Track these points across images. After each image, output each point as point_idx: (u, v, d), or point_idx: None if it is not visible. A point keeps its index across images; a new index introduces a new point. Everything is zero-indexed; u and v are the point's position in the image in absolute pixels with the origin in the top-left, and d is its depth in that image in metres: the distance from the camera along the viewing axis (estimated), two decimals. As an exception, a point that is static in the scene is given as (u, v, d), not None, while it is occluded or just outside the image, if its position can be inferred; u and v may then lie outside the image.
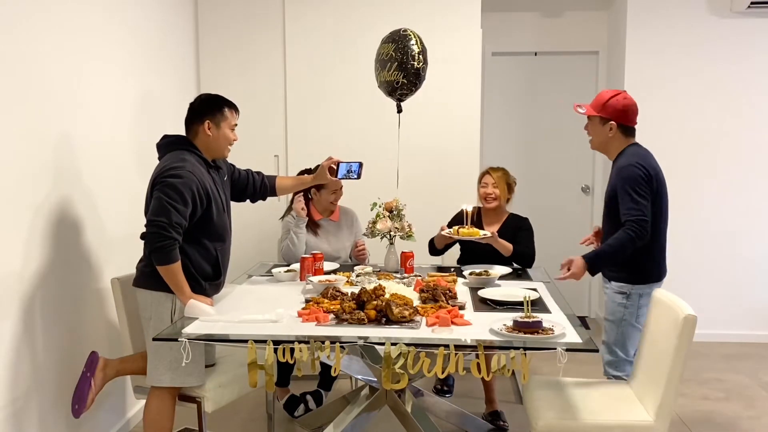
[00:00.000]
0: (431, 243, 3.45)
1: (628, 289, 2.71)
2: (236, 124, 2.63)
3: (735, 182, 4.57)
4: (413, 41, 3.06)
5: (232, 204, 2.81)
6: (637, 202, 2.60)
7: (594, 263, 2.67)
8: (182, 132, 2.61)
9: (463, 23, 4.00)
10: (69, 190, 2.70)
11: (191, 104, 2.61)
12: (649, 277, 2.72)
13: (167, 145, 2.56)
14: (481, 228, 3.38)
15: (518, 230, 3.38)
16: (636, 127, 2.78)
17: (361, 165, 2.96)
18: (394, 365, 2.03)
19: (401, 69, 3.05)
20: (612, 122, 2.71)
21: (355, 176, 2.95)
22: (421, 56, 3.07)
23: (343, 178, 2.96)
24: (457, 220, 3.45)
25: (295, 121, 4.10)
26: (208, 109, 2.56)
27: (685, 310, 2.15)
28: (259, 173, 2.97)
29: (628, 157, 2.70)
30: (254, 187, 2.93)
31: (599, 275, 2.98)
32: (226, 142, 2.60)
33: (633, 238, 2.59)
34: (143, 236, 2.39)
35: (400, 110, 3.25)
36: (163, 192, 2.38)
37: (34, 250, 2.45)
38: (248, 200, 2.97)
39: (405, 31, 3.10)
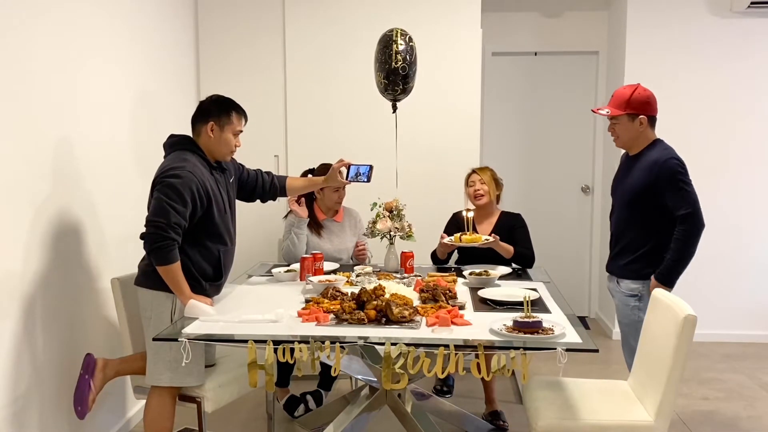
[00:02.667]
0: (434, 255, 3.44)
1: (639, 290, 2.73)
2: (241, 131, 2.63)
3: (735, 182, 4.57)
4: (396, 41, 3.07)
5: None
6: (689, 194, 2.64)
7: (666, 277, 2.67)
8: (184, 131, 2.61)
9: (463, 23, 4.01)
10: (69, 190, 2.70)
11: (201, 102, 2.62)
12: None
13: (172, 144, 2.57)
14: (474, 229, 3.37)
15: (513, 229, 3.37)
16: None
17: (371, 168, 2.95)
18: (394, 365, 2.03)
19: (382, 70, 3.08)
20: (641, 116, 2.75)
21: (365, 179, 2.95)
22: (399, 56, 3.05)
23: (352, 181, 2.95)
24: (453, 225, 3.45)
25: (295, 121, 4.10)
26: (215, 110, 2.56)
27: (685, 310, 2.15)
28: (269, 173, 2.97)
29: (660, 151, 2.73)
30: (263, 187, 2.93)
31: (605, 275, 2.98)
32: (227, 147, 2.59)
33: (695, 232, 2.64)
34: (142, 236, 2.39)
35: (394, 110, 3.24)
36: (162, 192, 2.38)
37: (34, 251, 2.45)
38: (258, 200, 2.98)
39: (390, 31, 3.11)
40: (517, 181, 5.17)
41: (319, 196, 3.48)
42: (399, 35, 3.07)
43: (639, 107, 2.74)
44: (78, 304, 2.76)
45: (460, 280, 2.97)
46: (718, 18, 4.46)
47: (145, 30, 3.43)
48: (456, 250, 3.46)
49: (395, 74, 3.06)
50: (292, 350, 2.05)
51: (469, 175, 3.47)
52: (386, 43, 3.07)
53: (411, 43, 3.10)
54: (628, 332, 2.80)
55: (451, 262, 3.53)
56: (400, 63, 3.05)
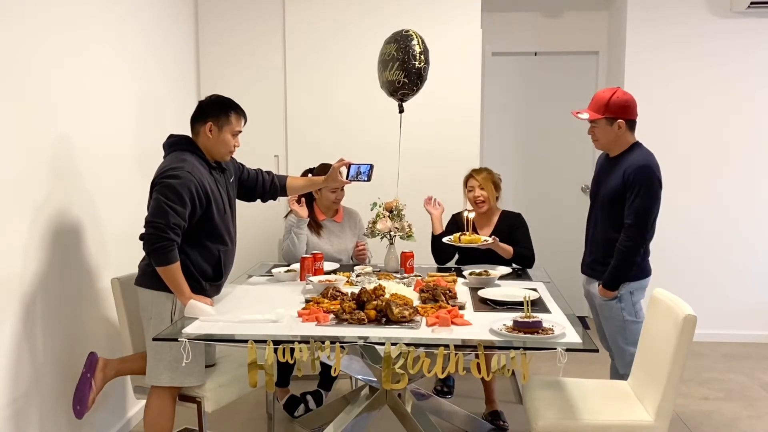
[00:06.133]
0: (434, 249, 3.42)
1: (618, 293, 2.74)
2: (240, 131, 2.62)
3: (734, 181, 4.57)
4: (415, 41, 3.07)
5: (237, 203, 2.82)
6: (644, 208, 2.64)
7: (610, 282, 2.74)
8: (184, 131, 2.61)
9: (463, 23, 4.00)
10: (69, 190, 2.70)
11: (200, 102, 2.61)
12: (640, 273, 2.75)
13: (170, 145, 2.57)
14: (475, 231, 3.36)
15: (513, 228, 3.36)
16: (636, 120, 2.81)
17: (371, 167, 2.94)
18: (394, 365, 2.03)
19: (403, 69, 3.06)
20: (619, 120, 2.73)
21: (365, 178, 2.93)
22: (422, 56, 3.08)
23: (352, 180, 2.94)
24: (454, 225, 3.44)
25: (295, 121, 4.10)
26: (214, 110, 2.55)
27: (685, 310, 2.15)
28: (269, 173, 2.96)
29: (638, 155, 2.72)
30: (264, 187, 2.92)
31: (582, 276, 2.99)
32: (226, 148, 2.58)
33: (636, 244, 2.66)
34: (142, 237, 2.39)
35: (401, 110, 3.24)
36: (161, 193, 2.38)
37: (34, 251, 2.45)
38: (259, 200, 2.97)
39: (407, 31, 3.11)
40: (517, 181, 5.17)
41: (317, 196, 3.48)
42: (417, 35, 3.09)
43: (617, 111, 2.73)
44: (78, 304, 2.76)
45: (460, 280, 2.97)
46: (718, 18, 4.46)
47: (146, 29, 3.43)
48: (456, 251, 3.46)
49: (417, 75, 3.07)
50: (292, 350, 2.05)
51: (467, 179, 3.44)
52: (406, 42, 3.06)
53: (425, 44, 3.12)
54: (616, 333, 2.80)
55: (451, 262, 3.53)
56: (422, 64, 3.07)
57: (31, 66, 2.43)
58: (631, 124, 2.77)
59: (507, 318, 2.21)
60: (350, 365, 2.83)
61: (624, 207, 2.70)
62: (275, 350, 2.06)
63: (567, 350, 1.98)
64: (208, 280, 2.56)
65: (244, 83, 4.05)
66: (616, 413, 2.29)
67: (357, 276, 2.98)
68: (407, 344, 2.04)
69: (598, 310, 2.91)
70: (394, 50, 3.08)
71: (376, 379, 2.72)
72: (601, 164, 2.94)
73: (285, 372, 3.34)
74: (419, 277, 2.97)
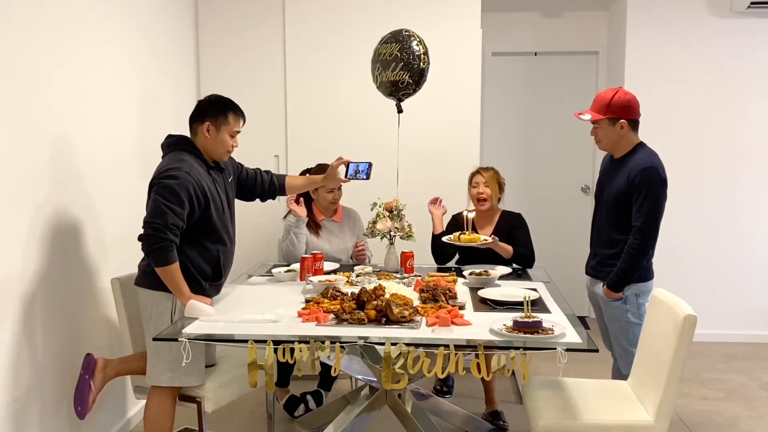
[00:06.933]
0: (434, 250, 3.42)
1: (623, 293, 2.74)
2: (239, 131, 2.61)
3: (735, 182, 4.57)
4: (416, 41, 3.08)
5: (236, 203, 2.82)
6: (651, 210, 2.63)
7: (615, 284, 2.73)
8: (184, 131, 2.61)
9: (463, 23, 4.01)
10: (69, 190, 2.70)
11: (199, 102, 2.61)
12: (644, 275, 2.75)
13: (169, 145, 2.56)
14: (475, 230, 3.36)
15: (513, 228, 3.36)
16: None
17: (370, 165, 2.93)
18: (394, 365, 2.03)
19: (407, 69, 3.06)
20: (622, 121, 2.72)
21: (364, 176, 2.92)
22: (425, 56, 3.11)
23: (351, 179, 2.93)
24: (454, 225, 3.44)
25: (295, 121, 4.10)
26: (212, 110, 2.55)
27: (685, 310, 2.15)
28: (268, 172, 2.96)
29: (644, 157, 2.71)
30: (263, 186, 2.92)
31: (588, 278, 2.98)
32: (224, 148, 2.58)
33: (644, 246, 2.65)
34: (140, 238, 2.39)
35: (400, 110, 3.24)
36: (159, 194, 2.37)
37: (34, 251, 2.45)
38: (258, 200, 2.97)
39: (407, 31, 3.12)
40: (517, 182, 5.17)
41: (315, 196, 3.47)
42: (417, 36, 3.09)
43: (619, 111, 2.71)
44: (78, 304, 2.76)
45: (460, 280, 2.96)
46: (718, 18, 4.46)
47: (146, 29, 3.43)
48: (457, 251, 3.46)
49: (420, 75, 3.08)
50: (292, 350, 2.05)
51: (473, 175, 3.45)
52: (408, 43, 3.07)
53: (425, 44, 3.14)
54: (620, 334, 2.80)
55: (452, 262, 3.52)
56: (425, 64, 3.08)
57: (31, 66, 2.43)
58: (634, 124, 2.76)
59: (507, 318, 2.21)
60: (350, 365, 2.83)
61: (628, 208, 2.70)
62: (275, 350, 2.06)
63: (567, 350, 1.98)
64: (208, 280, 2.56)
65: (244, 83, 4.05)
66: (616, 413, 2.29)
67: (357, 276, 2.98)
68: (407, 344, 2.04)
69: (603, 310, 2.89)
70: (397, 50, 3.07)
71: (376, 379, 2.72)
72: (606, 165, 2.93)
73: (285, 372, 3.34)
74: (419, 277, 2.97)
